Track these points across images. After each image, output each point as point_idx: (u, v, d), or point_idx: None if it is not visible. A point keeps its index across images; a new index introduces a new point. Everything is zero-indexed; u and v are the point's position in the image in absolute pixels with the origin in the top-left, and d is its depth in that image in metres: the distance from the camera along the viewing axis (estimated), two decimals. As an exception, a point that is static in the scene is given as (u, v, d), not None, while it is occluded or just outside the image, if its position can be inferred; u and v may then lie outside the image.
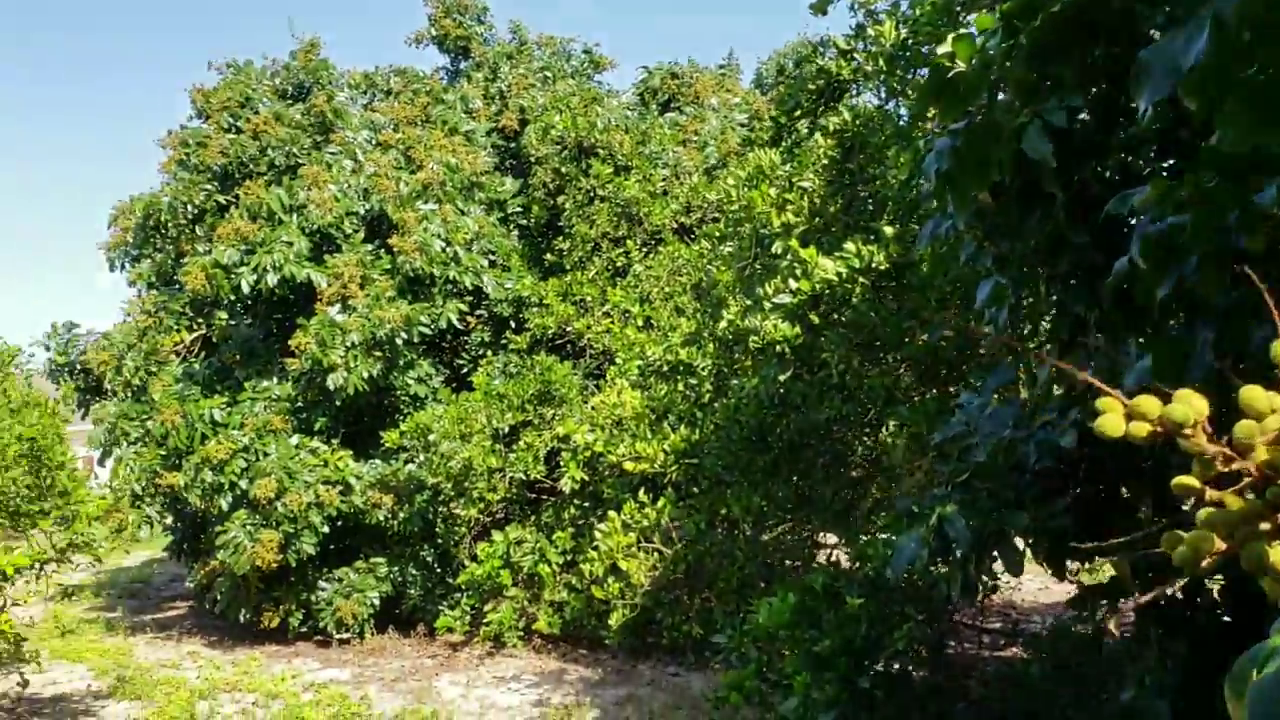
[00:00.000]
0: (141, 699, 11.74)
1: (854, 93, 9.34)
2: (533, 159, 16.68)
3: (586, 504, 13.30)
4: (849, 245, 7.50)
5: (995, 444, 4.67)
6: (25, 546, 9.56)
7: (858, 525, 9.39)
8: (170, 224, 16.34)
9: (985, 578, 5.12)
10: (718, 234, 10.58)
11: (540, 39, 20.32)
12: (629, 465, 10.33)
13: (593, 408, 12.50)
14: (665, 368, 12.71)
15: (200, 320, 16.40)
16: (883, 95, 8.94)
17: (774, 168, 8.80)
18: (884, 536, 8.58)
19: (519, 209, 17.00)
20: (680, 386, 12.31)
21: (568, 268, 15.42)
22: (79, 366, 17.11)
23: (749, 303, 8.50)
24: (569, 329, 14.68)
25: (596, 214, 15.29)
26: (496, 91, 18.68)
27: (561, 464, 12.98)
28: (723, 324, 8.34)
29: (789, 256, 8.00)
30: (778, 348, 7.72)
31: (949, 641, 9.59)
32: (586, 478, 12.74)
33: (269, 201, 14.75)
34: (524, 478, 13.28)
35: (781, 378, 7.85)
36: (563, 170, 15.82)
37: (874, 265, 7.50)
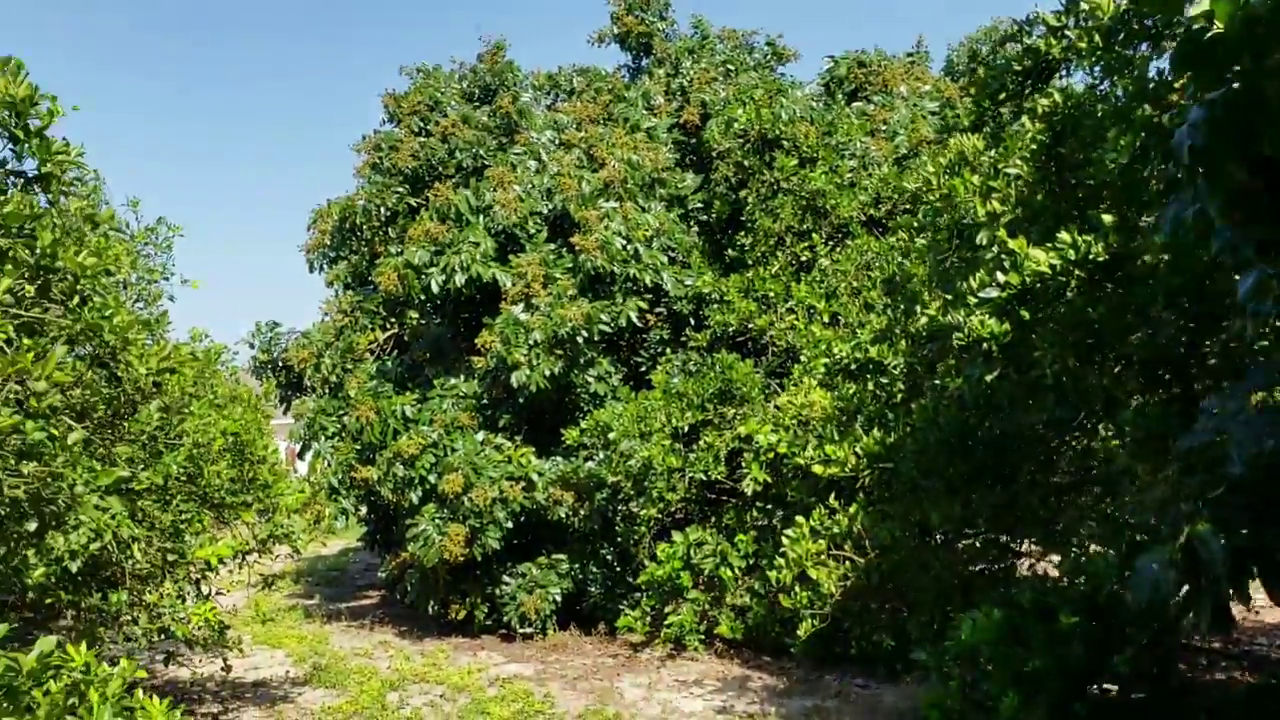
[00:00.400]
0: (336, 687, 12.13)
1: (1064, 73, 8.69)
2: (714, 153, 16.47)
3: (769, 506, 13.00)
4: (1063, 235, 6.92)
5: (1254, 455, 4.12)
6: (229, 537, 9.97)
7: (1067, 536, 8.75)
8: (365, 226, 16.96)
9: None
10: (915, 225, 10.08)
11: (722, 33, 20.10)
12: (818, 469, 9.93)
13: (777, 407, 12.17)
14: (853, 366, 12.25)
15: (393, 320, 16.95)
16: (1097, 74, 8.26)
17: (977, 154, 8.27)
18: (1098, 550, 7.95)
19: (699, 205, 16.83)
20: (870, 386, 11.84)
21: (750, 263, 15.13)
22: (280, 363, 17.95)
23: (948, 297, 8.01)
24: (750, 326, 14.39)
25: (780, 207, 14.94)
26: (678, 87, 18.57)
27: (743, 465, 12.71)
28: (920, 320, 7.87)
29: (995, 248, 7.49)
30: (984, 345, 7.21)
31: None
32: (769, 480, 12.43)
33: (457, 203, 15.06)
34: (704, 478, 13.08)
35: (988, 378, 7.33)
36: (745, 163, 15.54)
37: (1091, 257, 6.90)
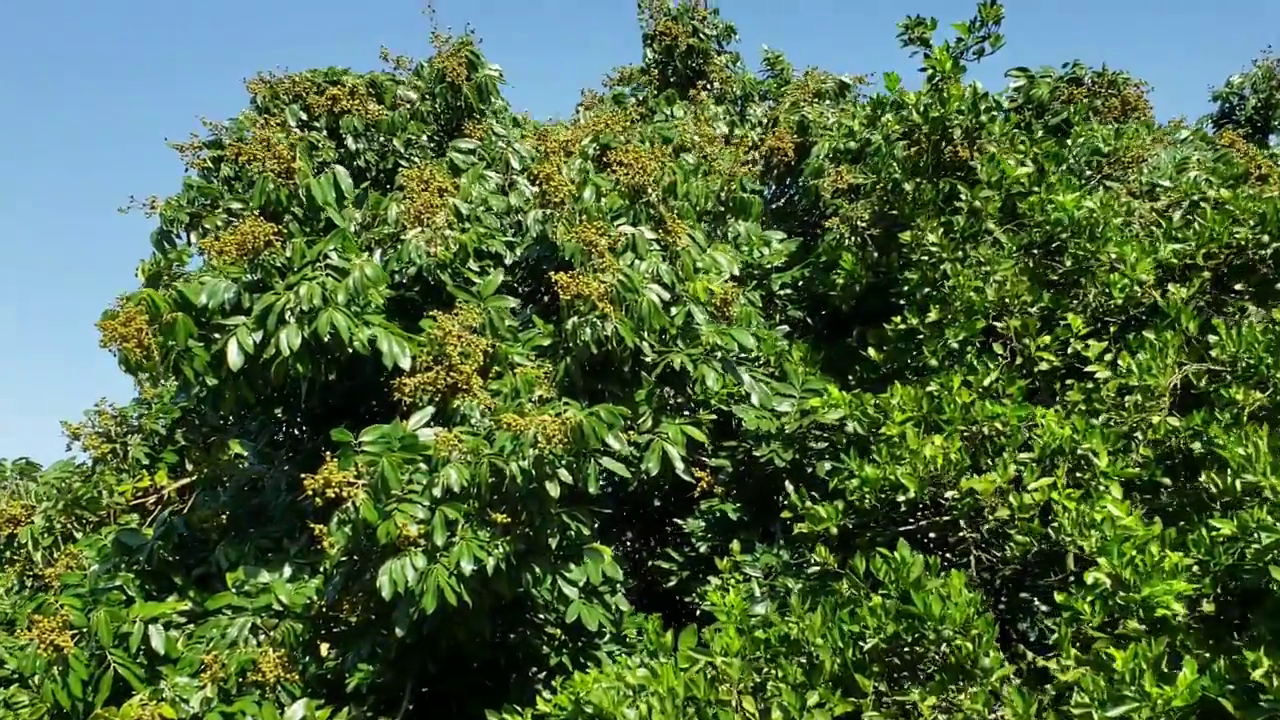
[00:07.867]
0: None
1: None
2: (829, 192, 8.99)
3: None
4: None
5: None
6: None
7: None
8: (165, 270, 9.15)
9: None
10: None
11: (809, 76, 12.98)
12: None
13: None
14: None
15: (199, 451, 8.84)
16: None
17: None
18: None
19: (788, 286, 9.16)
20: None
21: (928, 362, 7.20)
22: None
23: None
24: (948, 497, 6.26)
25: (993, 264, 7.16)
26: (748, 126, 11.30)
27: None
28: None
29: None
30: None
31: None
32: None
33: (311, 188, 7.28)
34: None
35: None
36: (905, 188, 7.87)
37: None
